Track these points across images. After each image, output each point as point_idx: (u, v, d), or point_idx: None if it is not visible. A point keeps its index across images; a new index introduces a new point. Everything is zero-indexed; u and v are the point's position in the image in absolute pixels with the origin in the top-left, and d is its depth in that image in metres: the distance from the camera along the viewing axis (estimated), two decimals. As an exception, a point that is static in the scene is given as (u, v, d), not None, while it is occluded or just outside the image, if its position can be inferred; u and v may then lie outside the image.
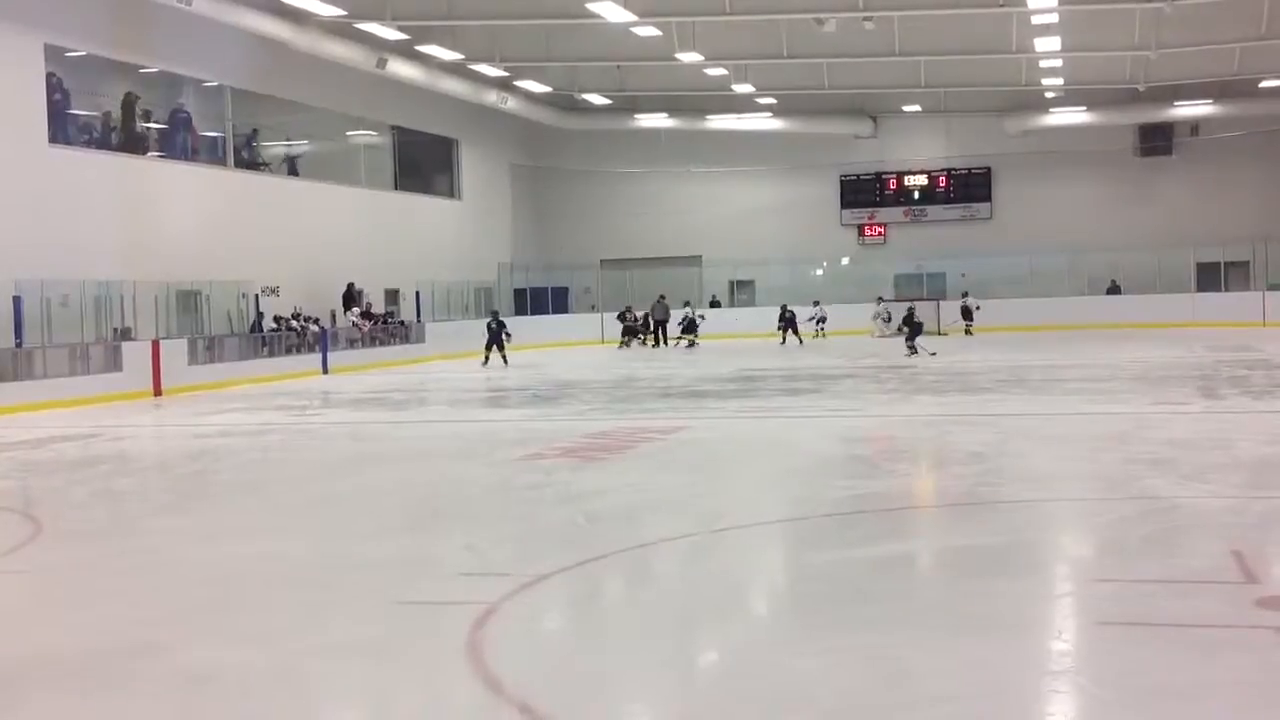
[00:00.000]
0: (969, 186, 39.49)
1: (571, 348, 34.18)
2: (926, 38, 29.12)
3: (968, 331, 33.72)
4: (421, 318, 32.08)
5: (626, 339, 34.68)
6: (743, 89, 34.13)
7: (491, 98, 33.46)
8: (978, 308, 34.13)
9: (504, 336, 27.47)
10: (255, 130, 28.92)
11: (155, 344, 22.12)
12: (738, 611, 6.33)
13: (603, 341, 36.07)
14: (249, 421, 16.76)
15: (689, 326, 34.32)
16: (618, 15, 24.78)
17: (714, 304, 38.94)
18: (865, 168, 40.07)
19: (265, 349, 25.51)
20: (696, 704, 4.89)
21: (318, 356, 26.61)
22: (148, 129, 25.84)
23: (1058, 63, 31.51)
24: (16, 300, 20.08)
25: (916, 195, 39.92)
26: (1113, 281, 37.28)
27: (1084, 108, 36.71)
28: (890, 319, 34.17)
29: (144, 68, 25.07)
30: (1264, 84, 33.50)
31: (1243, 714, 4.57)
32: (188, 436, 15.61)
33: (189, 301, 24.87)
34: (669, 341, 34.63)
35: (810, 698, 4.79)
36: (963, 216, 39.42)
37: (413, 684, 5.15)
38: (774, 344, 32.56)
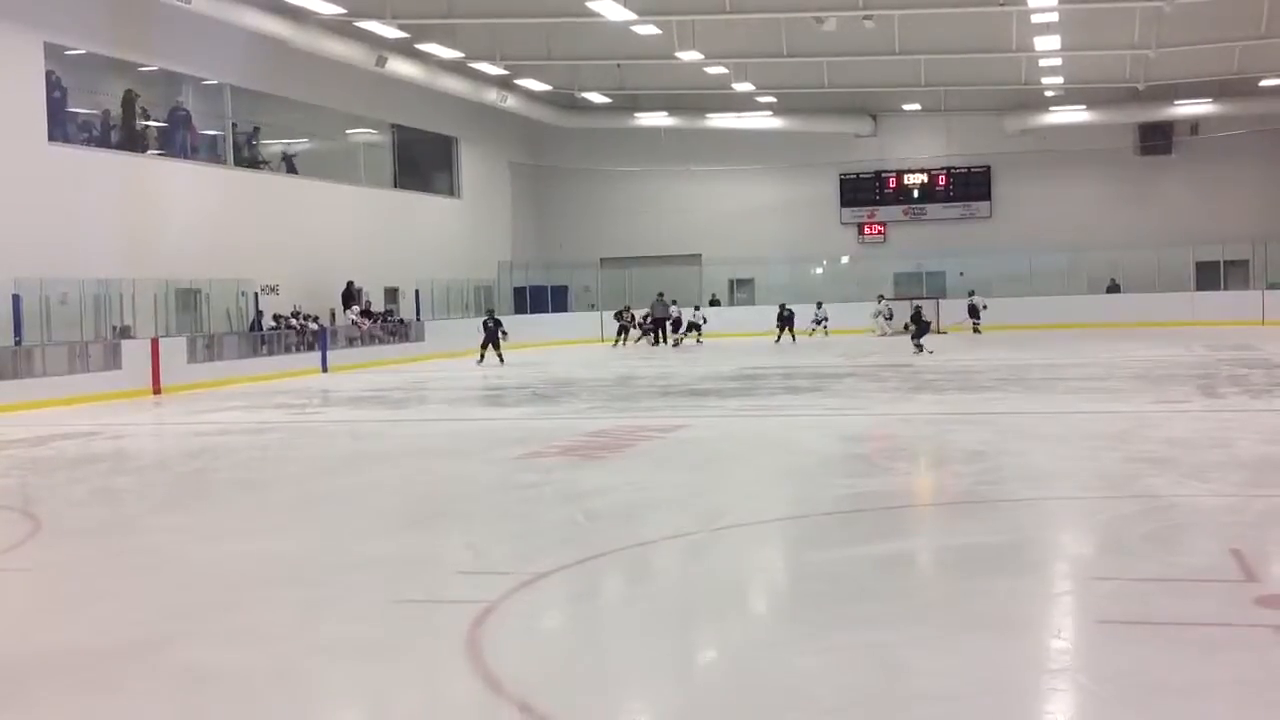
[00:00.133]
0: (969, 185, 39.49)
1: (571, 346, 34.20)
2: (926, 36, 29.12)
3: (976, 330, 33.75)
4: (421, 316, 32.08)
5: (621, 337, 34.70)
6: (743, 88, 34.13)
7: (491, 96, 33.46)
8: (985, 306, 34.16)
9: (500, 335, 27.49)
10: (257, 128, 28.93)
11: (154, 342, 22.12)
12: (737, 610, 6.33)
13: (602, 340, 36.11)
14: (248, 420, 16.75)
15: (693, 325, 34.47)
16: (618, 14, 24.78)
17: (714, 303, 38.94)
18: (865, 166, 40.07)
19: (264, 347, 25.51)
20: (696, 702, 4.89)
21: (317, 355, 26.61)
22: (147, 127, 25.82)
23: (1057, 61, 31.51)
24: (16, 298, 20.08)
25: (916, 194, 39.92)
26: (1112, 280, 37.31)
27: (1084, 106, 36.71)
28: (892, 317, 34.21)
29: (143, 66, 25.05)
30: (1264, 83, 33.51)
31: (1242, 712, 4.57)
32: (187, 435, 15.60)
33: (188, 300, 24.87)
34: (670, 340, 34.59)
35: (810, 695, 4.79)
36: (962, 215, 39.43)
37: (412, 682, 5.15)
38: (774, 343, 32.61)
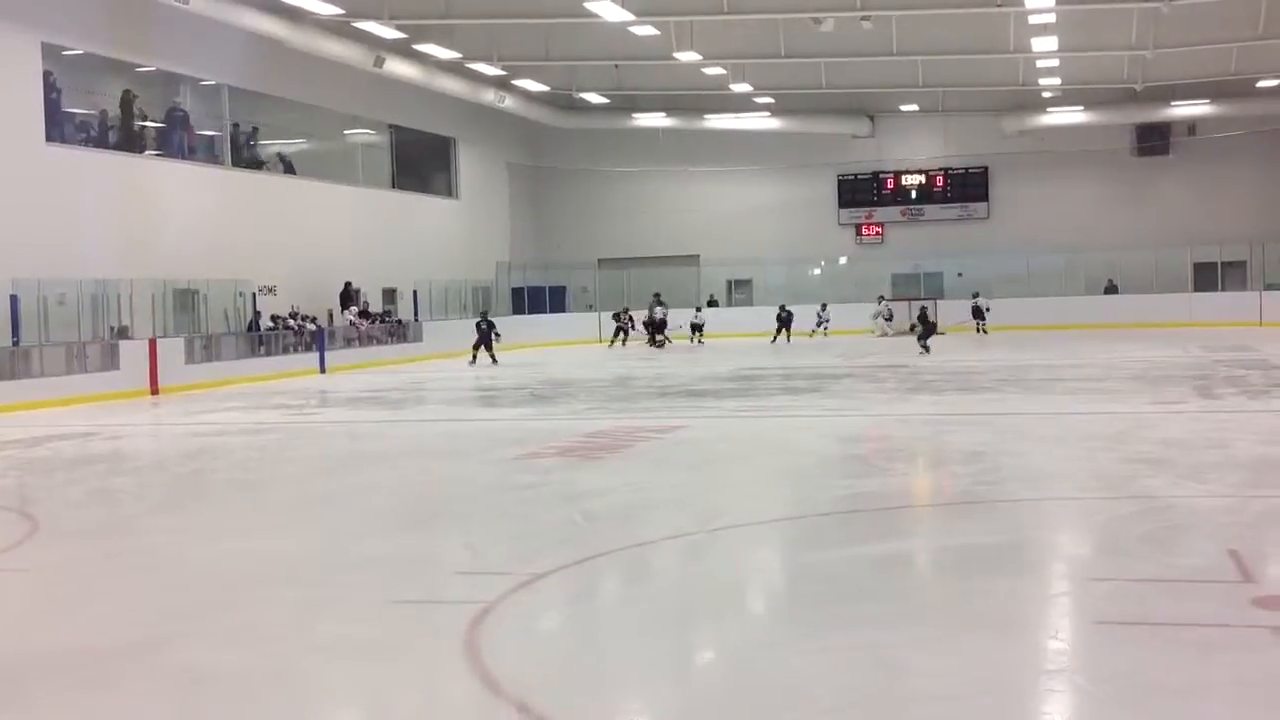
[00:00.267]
0: (966, 186, 39.50)
1: (569, 347, 34.20)
2: (924, 37, 29.13)
3: (981, 330, 33.76)
4: (419, 317, 32.07)
5: (616, 337, 34.70)
6: (740, 88, 34.13)
7: (489, 97, 33.45)
8: (988, 308, 34.18)
9: (493, 336, 27.51)
10: (255, 129, 28.91)
11: (152, 343, 22.11)
12: (735, 610, 6.34)
13: (600, 341, 36.11)
14: (246, 420, 16.74)
15: (694, 326, 34.51)
16: (616, 14, 24.78)
17: (712, 303, 38.95)
18: (863, 167, 40.08)
19: (262, 348, 25.50)
20: (694, 702, 4.89)
21: (315, 355, 26.60)
22: (145, 127, 25.80)
23: (1055, 62, 31.53)
24: (13, 299, 20.06)
25: (914, 195, 39.92)
26: (1110, 281, 37.32)
27: (1081, 107, 36.73)
28: (892, 318, 34.23)
29: (141, 66, 25.04)
30: (1261, 84, 33.53)
31: (1239, 713, 4.58)
32: (185, 435, 15.60)
33: (186, 300, 24.85)
34: (657, 340, 34.54)
35: (809, 695, 4.79)
36: (960, 216, 39.43)
37: (410, 683, 5.15)
38: (770, 343, 32.62)
